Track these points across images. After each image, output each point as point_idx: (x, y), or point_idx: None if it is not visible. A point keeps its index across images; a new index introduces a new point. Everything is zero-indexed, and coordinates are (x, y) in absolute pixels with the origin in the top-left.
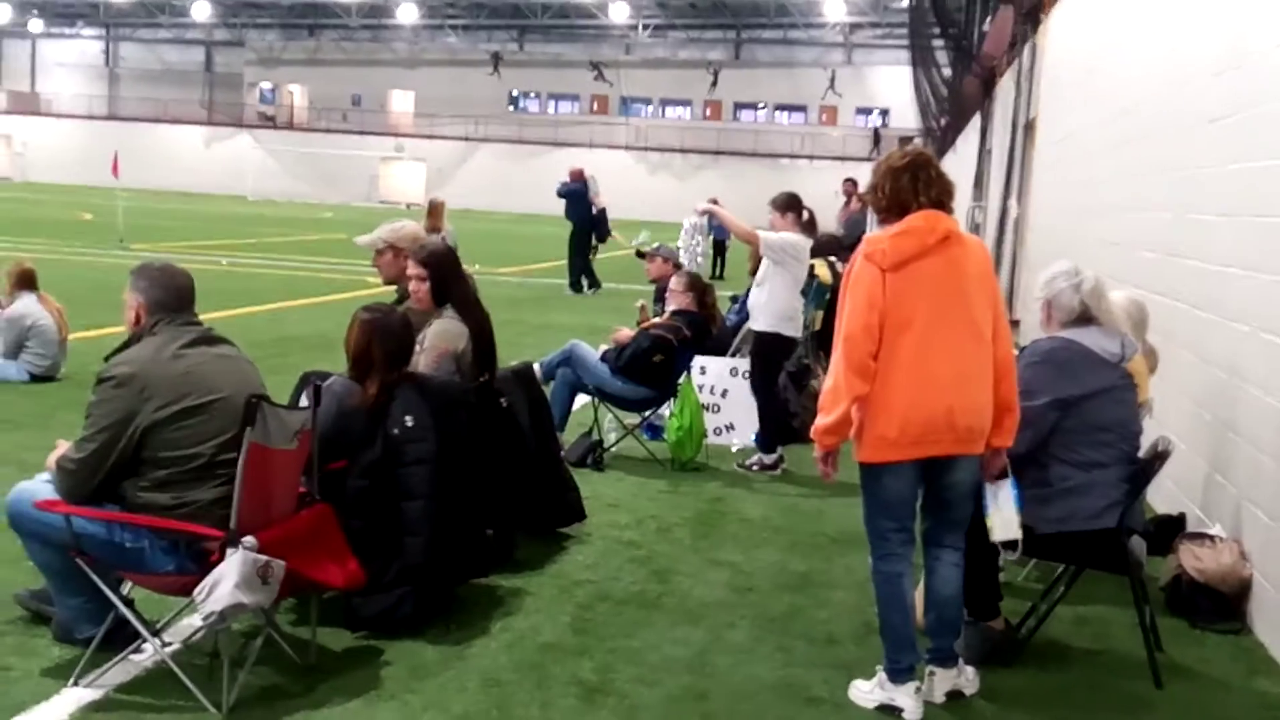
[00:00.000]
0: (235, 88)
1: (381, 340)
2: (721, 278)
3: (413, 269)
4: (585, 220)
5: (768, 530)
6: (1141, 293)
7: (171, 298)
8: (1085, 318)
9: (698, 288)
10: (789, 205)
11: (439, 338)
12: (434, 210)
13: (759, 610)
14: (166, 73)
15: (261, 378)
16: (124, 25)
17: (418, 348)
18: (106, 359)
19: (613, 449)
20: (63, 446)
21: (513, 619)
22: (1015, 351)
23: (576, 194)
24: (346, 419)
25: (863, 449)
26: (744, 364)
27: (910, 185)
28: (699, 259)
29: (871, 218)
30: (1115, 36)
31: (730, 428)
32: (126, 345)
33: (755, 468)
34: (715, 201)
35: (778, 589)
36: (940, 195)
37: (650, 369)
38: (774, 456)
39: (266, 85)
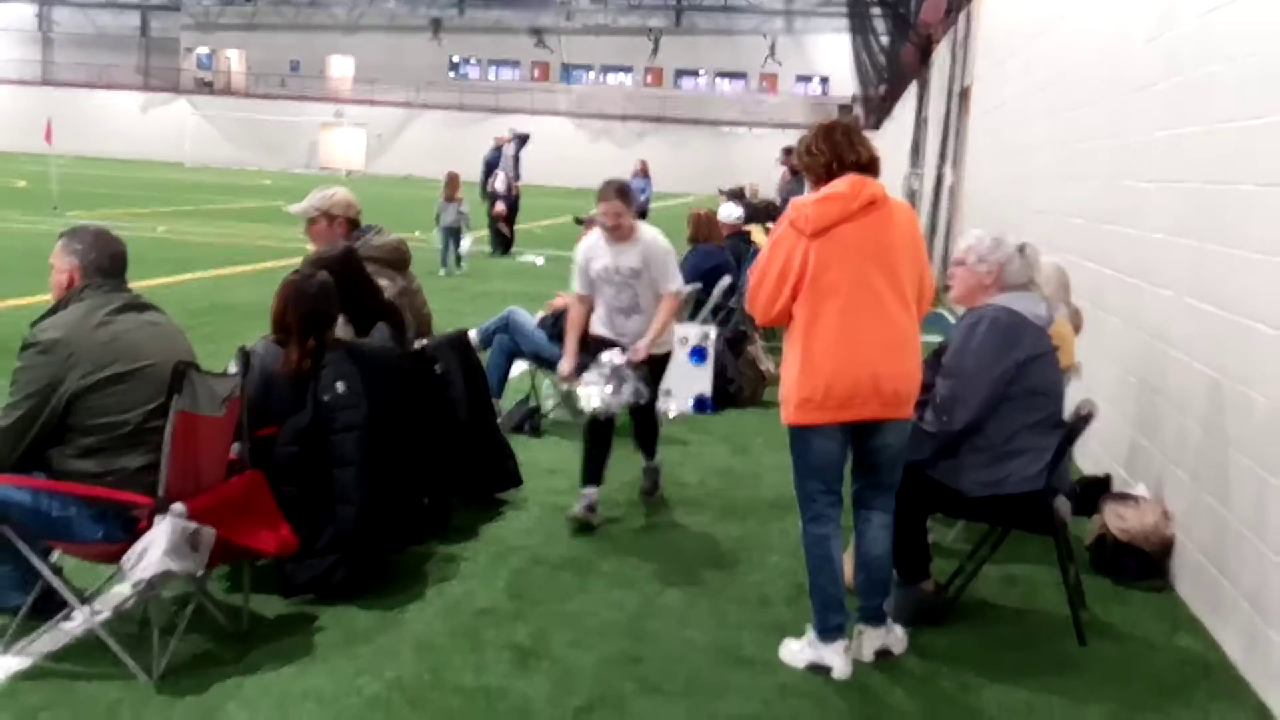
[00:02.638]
0: (171, 53)
1: (295, 304)
2: None
3: None
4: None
5: (703, 494)
6: (1073, 259)
7: (107, 262)
8: (1025, 284)
9: None
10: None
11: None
12: (451, 181)
13: (693, 574)
14: (101, 37)
15: (190, 345)
16: None
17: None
18: (32, 325)
19: (550, 415)
20: None
21: (448, 585)
22: (952, 319)
23: (490, 164)
24: (272, 384)
25: (789, 411)
26: (683, 330)
27: (845, 140)
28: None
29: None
30: (1050, 4)
31: (667, 393)
32: (53, 311)
33: None
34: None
35: (712, 553)
36: (871, 155)
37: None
38: None
39: (203, 50)
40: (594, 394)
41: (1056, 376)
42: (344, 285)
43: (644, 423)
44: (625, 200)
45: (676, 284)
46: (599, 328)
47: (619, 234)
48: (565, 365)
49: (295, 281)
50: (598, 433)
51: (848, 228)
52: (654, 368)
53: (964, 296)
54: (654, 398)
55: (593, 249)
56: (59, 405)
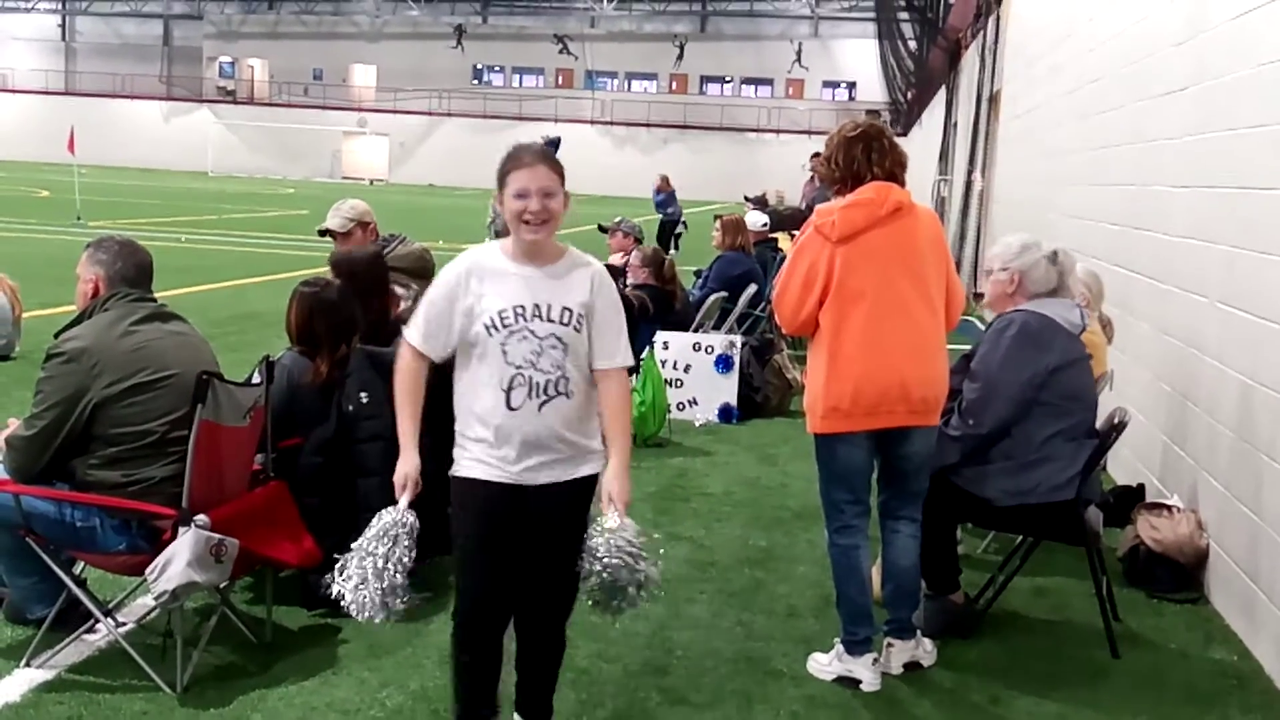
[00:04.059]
0: (194, 62)
1: (323, 315)
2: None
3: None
4: None
5: (730, 505)
6: (1102, 264)
7: (132, 272)
8: (1056, 289)
9: (656, 262)
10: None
11: None
12: None
13: (720, 585)
14: (124, 47)
15: (214, 355)
16: None
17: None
18: (56, 335)
19: None
20: (14, 424)
21: None
22: (981, 325)
23: None
24: (298, 395)
25: (815, 420)
26: (707, 339)
27: (864, 156)
28: None
29: None
30: (1078, 8)
31: (693, 403)
32: (77, 321)
33: None
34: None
35: (739, 563)
36: (893, 166)
37: None
38: None
39: (226, 59)
40: (358, 601)
41: (1089, 383)
42: (363, 289)
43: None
44: (557, 170)
45: (629, 354)
46: (482, 458)
47: (541, 241)
48: (405, 466)
49: (315, 292)
50: (478, 638)
51: (874, 234)
52: (574, 507)
53: (992, 303)
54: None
55: (484, 269)
56: (83, 415)
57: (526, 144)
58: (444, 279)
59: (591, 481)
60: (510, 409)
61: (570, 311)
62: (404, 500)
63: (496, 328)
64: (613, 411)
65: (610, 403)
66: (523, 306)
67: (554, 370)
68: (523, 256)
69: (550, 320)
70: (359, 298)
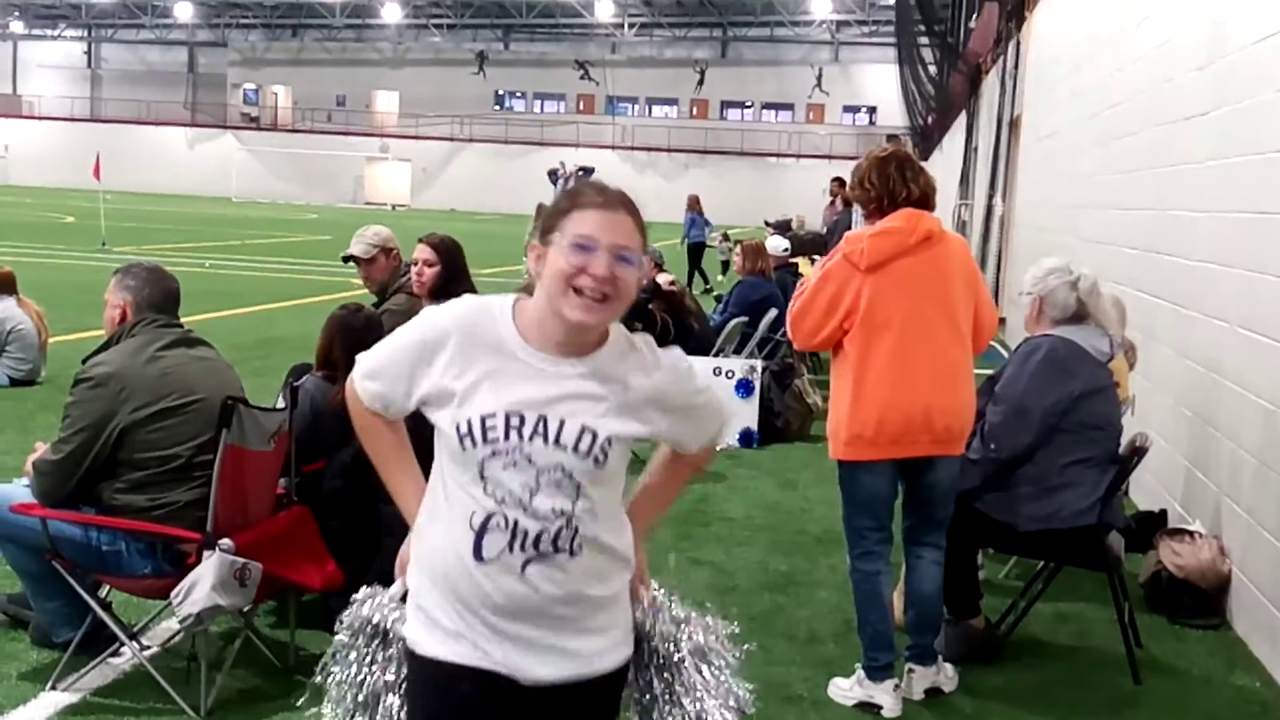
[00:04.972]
0: (219, 88)
1: (343, 339)
2: (708, 285)
3: (424, 253)
4: None
5: (750, 529)
6: (1124, 289)
7: (159, 298)
8: (1079, 316)
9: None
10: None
11: None
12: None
13: (740, 609)
14: (149, 74)
15: (240, 380)
16: (106, 26)
17: None
18: (84, 360)
19: None
20: (41, 449)
21: None
22: (1003, 350)
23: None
24: (320, 420)
25: (839, 447)
26: (727, 364)
27: (897, 174)
28: None
29: (856, 215)
30: (1099, 33)
31: None
32: (105, 347)
33: None
34: None
35: (759, 588)
36: (925, 189)
37: None
38: None
39: (250, 86)
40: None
41: (1115, 412)
42: (461, 268)
43: None
44: (641, 228)
45: (723, 427)
46: (442, 622)
47: (592, 328)
48: (407, 546)
49: (342, 316)
50: None
51: (904, 263)
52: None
53: (1025, 326)
54: None
55: (477, 340)
56: (110, 439)
57: (595, 182)
58: (415, 333)
59: (617, 679)
60: (479, 560)
61: (594, 436)
62: (398, 586)
63: (475, 440)
64: (659, 490)
65: (663, 479)
66: (520, 416)
67: (554, 518)
68: (547, 339)
69: (559, 444)
70: (461, 276)
